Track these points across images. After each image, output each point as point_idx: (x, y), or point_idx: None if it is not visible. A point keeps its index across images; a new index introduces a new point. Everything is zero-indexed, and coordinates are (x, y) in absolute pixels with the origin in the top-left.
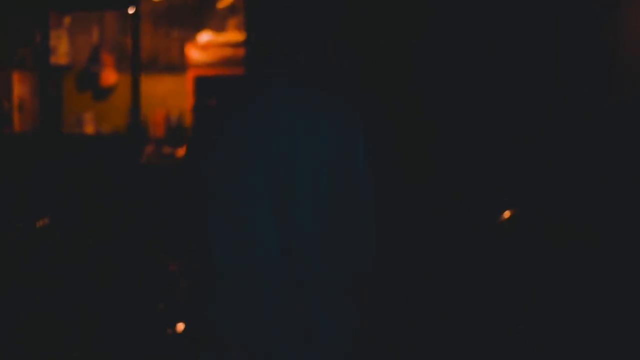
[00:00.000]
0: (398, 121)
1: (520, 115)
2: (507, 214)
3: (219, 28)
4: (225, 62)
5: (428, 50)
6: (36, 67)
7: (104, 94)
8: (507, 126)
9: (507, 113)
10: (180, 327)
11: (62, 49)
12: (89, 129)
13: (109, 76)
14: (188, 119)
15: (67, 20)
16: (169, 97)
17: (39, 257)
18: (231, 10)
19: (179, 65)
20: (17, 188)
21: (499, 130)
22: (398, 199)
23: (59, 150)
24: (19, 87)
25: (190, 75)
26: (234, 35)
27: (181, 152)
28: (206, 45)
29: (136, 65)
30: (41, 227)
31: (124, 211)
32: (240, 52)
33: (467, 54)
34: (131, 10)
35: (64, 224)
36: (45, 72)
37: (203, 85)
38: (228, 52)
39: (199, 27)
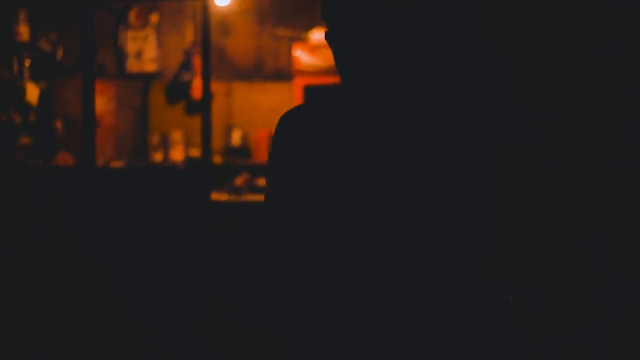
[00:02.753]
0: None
1: None
2: None
3: None
4: None
5: None
6: (119, 74)
7: (198, 107)
8: None
9: None
10: None
11: (148, 53)
12: (177, 152)
13: None
14: None
15: (154, 17)
16: (275, 110)
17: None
18: None
19: (287, 72)
20: (59, 233)
21: None
22: None
23: (101, 186)
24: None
25: (298, 84)
26: None
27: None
28: (319, 46)
29: (206, 74)
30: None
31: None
32: None
33: None
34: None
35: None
36: (89, 81)
37: (314, 96)
38: None
39: (311, 24)
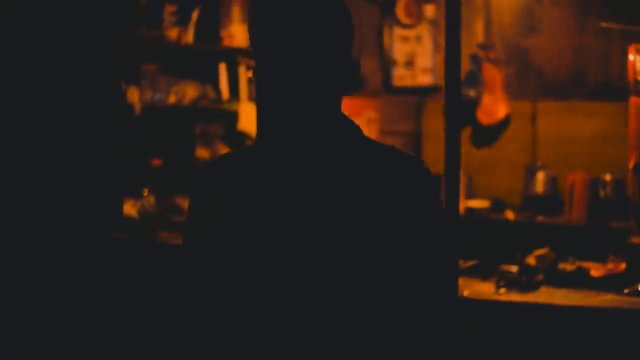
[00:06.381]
0: None
1: None
2: None
3: None
4: None
5: None
6: (384, 89)
7: (488, 136)
8: None
9: None
10: None
11: (422, 59)
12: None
13: (496, 106)
14: (629, 185)
15: (430, 10)
16: (601, 142)
17: None
18: None
19: (618, 86)
20: None
21: None
22: None
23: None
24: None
25: (633, 105)
26: None
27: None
28: None
29: (454, 87)
30: None
31: None
32: None
33: None
34: None
35: None
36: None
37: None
38: None
39: None
